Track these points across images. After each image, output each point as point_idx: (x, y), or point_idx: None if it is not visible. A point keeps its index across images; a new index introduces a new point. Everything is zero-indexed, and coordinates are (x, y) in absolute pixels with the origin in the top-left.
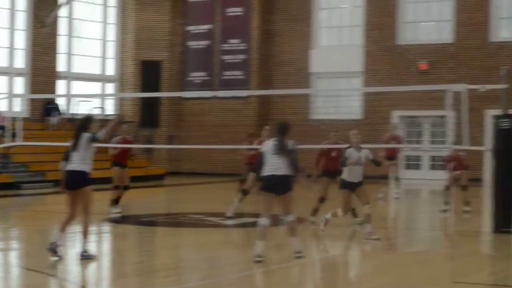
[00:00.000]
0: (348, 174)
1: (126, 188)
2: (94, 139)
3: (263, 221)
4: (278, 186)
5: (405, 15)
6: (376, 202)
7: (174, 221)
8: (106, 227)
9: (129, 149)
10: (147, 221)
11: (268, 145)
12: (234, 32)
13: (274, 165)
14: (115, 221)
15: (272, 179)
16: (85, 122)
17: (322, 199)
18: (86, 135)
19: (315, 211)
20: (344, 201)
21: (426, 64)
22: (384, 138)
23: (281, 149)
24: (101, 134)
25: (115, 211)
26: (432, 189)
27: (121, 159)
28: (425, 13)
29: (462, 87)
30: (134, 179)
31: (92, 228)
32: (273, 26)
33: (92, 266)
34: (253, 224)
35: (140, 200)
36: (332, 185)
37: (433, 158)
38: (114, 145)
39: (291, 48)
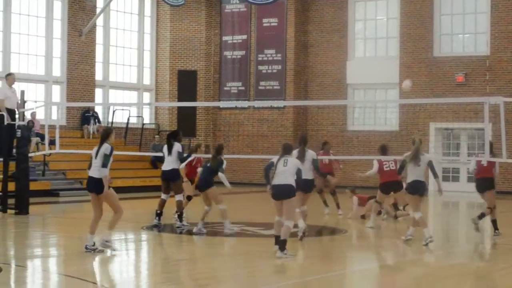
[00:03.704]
0: None
1: (189, 198)
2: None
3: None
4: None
5: (441, 27)
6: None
7: (212, 230)
8: (145, 235)
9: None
10: (186, 230)
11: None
12: (270, 42)
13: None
14: (155, 229)
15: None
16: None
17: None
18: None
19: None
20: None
21: (462, 77)
22: None
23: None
24: None
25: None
26: (469, 202)
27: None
28: (460, 26)
29: (499, 100)
30: None
31: (132, 236)
32: (308, 37)
33: (131, 274)
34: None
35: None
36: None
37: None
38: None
39: (326, 59)
